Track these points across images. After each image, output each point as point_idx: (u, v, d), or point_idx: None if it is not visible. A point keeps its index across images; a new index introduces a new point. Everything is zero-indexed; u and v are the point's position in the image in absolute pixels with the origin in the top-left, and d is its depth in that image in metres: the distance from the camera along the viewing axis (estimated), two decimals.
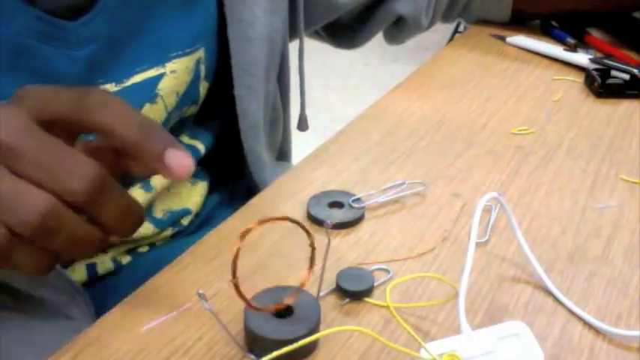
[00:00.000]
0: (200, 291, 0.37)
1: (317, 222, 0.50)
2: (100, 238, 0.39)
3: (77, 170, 0.37)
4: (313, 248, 0.40)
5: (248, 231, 0.37)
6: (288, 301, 0.40)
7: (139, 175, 0.43)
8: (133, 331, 0.40)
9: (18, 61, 0.49)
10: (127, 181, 0.59)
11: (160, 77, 0.56)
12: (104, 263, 0.59)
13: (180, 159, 0.39)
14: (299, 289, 0.40)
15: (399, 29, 0.83)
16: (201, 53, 0.59)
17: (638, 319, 0.43)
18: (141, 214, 0.41)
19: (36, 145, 0.37)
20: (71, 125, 0.39)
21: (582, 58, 0.77)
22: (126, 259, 0.60)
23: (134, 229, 0.41)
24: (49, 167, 0.36)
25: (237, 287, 0.37)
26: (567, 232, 0.51)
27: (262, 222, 0.38)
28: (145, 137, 0.39)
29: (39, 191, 0.36)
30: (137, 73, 0.55)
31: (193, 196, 0.65)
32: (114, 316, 0.42)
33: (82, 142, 0.42)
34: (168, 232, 0.63)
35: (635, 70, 0.71)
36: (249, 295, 0.41)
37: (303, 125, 0.72)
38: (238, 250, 0.36)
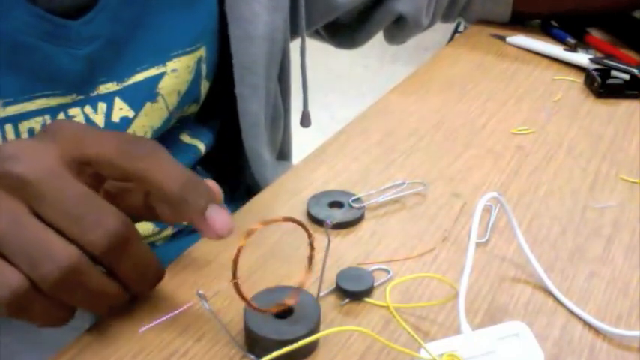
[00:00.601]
0: (200, 291, 0.37)
1: (317, 222, 0.50)
2: (119, 293, 0.38)
3: (102, 222, 0.36)
4: (312, 248, 0.40)
5: (252, 232, 0.37)
6: (289, 301, 0.40)
7: (169, 222, 0.42)
8: (132, 331, 0.40)
9: (17, 59, 0.49)
10: None
11: (160, 76, 0.56)
12: None
13: (222, 217, 0.38)
14: (299, 290, 0.40)
15: (399, 29, 0.83)
16: (202, 52, 0.59)
17: (638, 319, 0.43)
18: (161, 271, 0.41)
19: (62, 189, 0.36)
20: (109, 170, 0.38)
21: (582, 58, 0.77)
22: None
23: (152, 286, 0.41)
24: (73, 215, 0.35)
25: (237, 287, 0.37)
26: (567, 232, 0.51)
27: (266, 223, 0.38)
28: (188, 193, 0.38)
29: (63, 244, 0.35)
30: (138, 72, 0.55)
31: None
32: (114, 316, 0.42)
33: (111, 183, 0.41)
34: (169, 231, 0.63)
35: (635, 70, 0.71)
36: (249, 295, 0.41)
37: (305, 121, 0.72)
38: (239, 250, 0.36)
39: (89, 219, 0.36)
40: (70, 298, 0.37)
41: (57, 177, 0.36)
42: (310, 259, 0.40)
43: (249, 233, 0.36)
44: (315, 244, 0.43)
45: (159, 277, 0.41)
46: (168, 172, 0.38)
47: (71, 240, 0.36)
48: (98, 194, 0.38)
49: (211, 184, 0.42)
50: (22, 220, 0.35)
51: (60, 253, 0.35)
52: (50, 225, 0.36)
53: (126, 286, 0.39)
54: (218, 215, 0.38)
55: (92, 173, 0.39)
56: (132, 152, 0.38)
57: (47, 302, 0.36)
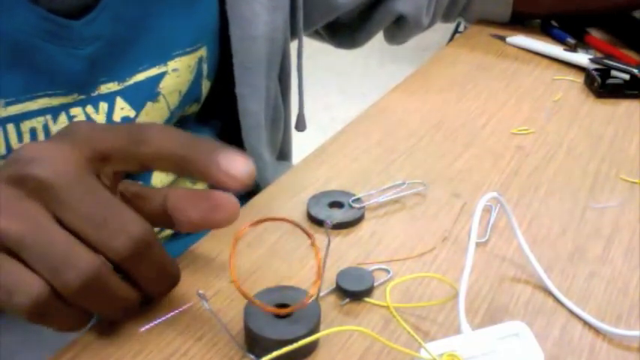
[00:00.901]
0: (200, 291, 0.37)
1: (317, 222, 0.50)
2: (136, 298, 0.39)
3: (125, 229, 0.35)
4: (318, 258, 0.39)
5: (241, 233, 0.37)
6: (297, 306, 0.39)
7: (185, 230, 0.41)
8: (132, 331, 0.40)
9: (20, 58, 0.49)
10: (128, 178, 0.59)
11: (161, 76, 0.56)
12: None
13: (236, 161, 0.37)
14: (304, 292, 0.40)
15: (399, 28, 0.83)
16: (203, 52, 0.59)
17: (638, 319, 0.43)
18: (177, 276, 0.41)
19: (84, 193, 0.35)
20: (123, 160, 0.38)
21: (582, 58, 0.77)
22: None
23: (168, 291, 0.41)
24: (95, 221, 0.35)
25: (238, 286, 0.37)
26: (567, 232, 0.51)
27: (260, 221, 0.37)
28: (193, 150, 0.37)
29: (85, 251, 0.35)
30: (139, 71, 0.55)
31: None
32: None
33: (126, 185, 0.41)
34: (169, 230, 0.63)
35: (635, 70, 0.71)
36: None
37: (301, 125, 0.72)
38: (233, 252, 0.36)
39: (112, 225, 0.35)
40: (91, 305, 0.36)
41: (79, 181, 0.36)
42: (319, 270, 0.39)
43: (240, 235, 0.36)
44: (315, 244, 0.43)
45: (175, 281, 0.41)
46: (167, 139, 0.38)
47: (92, 246, 0.35)
48: (117, 197, 0.38)
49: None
50: (42, 224, 0.35)
51: (82, 260, 0.35)
52: (71, 230, 0.35)
53: (142, 290, 0.39)
54: (230, 159, 0.37)
55: (110, 172, 0.39)
56: (140, 137, 0.38)
57: (67, 309, 0.36)
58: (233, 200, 0.40)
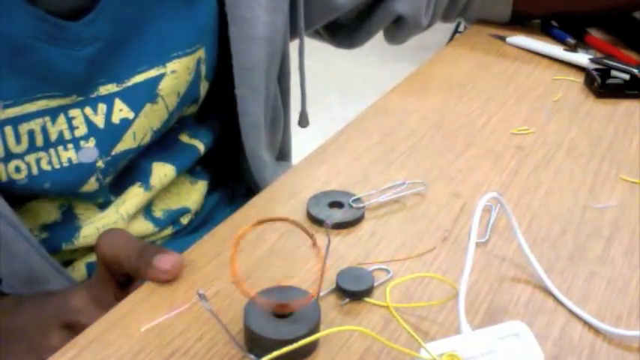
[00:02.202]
0: (200, 291, 0.37)
1: (317, 222, 0.50)
2: None
3: None
4: (321, 255, 0.39)
5: (244, 233, 0.37)
6: (294, 305, 0.39)
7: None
8: (133, 330, 0.40)
9: (18, 60, 0.49)
10: (128, 178, 0.60)
11: (160, 77, 0.56)
12: None
13: (165, 260, 0.44)
14: (307, 295, 0.40)
15: (398, 29, 0.83)
16: (201, 53, 0.59)
17: (638, 319, 0.43)
18: None
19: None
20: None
21: (582, 58, 0.77)
22: None
23: None
24: None
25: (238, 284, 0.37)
26: (567, 232, 0.51)
27: (261, 222, 0.38)
28: (138, 262, 0.45)
29: None
30: (138, 73, 0.55)
31: (193, 195, 0.65)
32: (114, 315, 0.42)
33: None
34: (169, 230, 0.63)
35: (635, 70, 0.71)
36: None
37: (303, 121, 0.72)
38: (234, 251, 0.36)
39: None
40: None
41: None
42: (322, 269, 0.40)
43: (242, 235, 0.36)
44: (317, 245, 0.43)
45: None
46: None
47: None
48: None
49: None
50: None
51: None
52: None
53: None
54: (160, 261, 0.44)
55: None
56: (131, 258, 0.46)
57: None
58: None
